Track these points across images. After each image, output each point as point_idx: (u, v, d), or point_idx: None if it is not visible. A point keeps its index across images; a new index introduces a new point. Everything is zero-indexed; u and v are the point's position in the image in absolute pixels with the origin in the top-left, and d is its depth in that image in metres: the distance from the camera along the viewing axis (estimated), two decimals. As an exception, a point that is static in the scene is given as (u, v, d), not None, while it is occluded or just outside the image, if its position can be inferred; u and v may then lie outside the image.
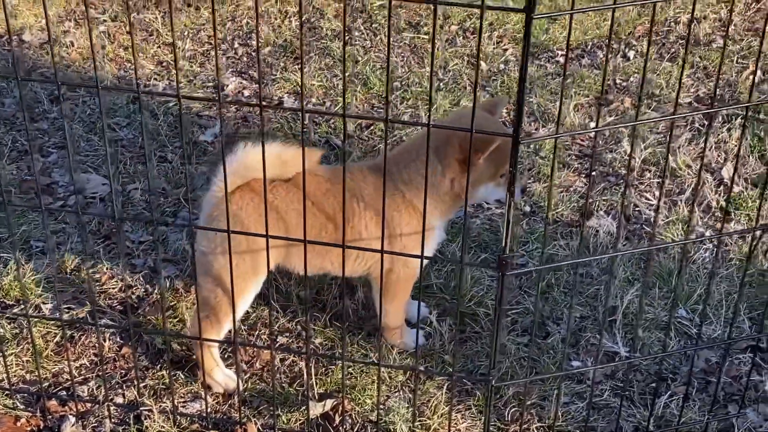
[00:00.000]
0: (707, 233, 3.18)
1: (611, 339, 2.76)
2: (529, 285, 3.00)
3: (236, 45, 4.30)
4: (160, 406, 2.46)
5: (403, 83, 4.03)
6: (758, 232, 2.28)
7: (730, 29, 4.35)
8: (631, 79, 4.06)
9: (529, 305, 2.90)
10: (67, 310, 2.74)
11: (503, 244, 2.02)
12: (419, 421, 2.48)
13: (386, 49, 4.08)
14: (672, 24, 4.43)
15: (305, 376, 2.56)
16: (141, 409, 2.43)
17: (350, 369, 2.62)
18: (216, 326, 2.43)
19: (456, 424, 2.50)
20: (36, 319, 2.59)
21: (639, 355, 2.67)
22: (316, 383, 2.58)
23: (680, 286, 2.92)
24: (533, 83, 4.02)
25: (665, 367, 2.69)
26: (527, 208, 3.35)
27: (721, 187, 3.40)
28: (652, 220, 3.24)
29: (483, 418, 2.40)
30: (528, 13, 1.78)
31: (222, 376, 2.54)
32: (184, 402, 2.51)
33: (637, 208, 3.33)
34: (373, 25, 4.44)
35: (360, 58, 4.17)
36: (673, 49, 4.25)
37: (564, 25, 4.40)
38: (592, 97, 3.95)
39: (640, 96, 3.92)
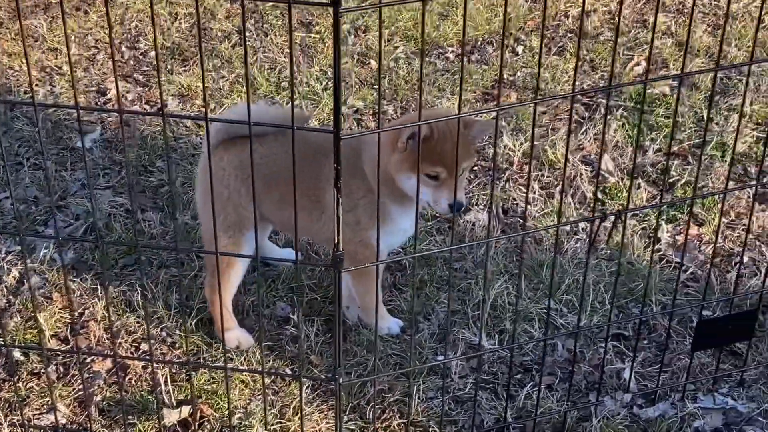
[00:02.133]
0: (581, 225, 3.20)
1: (478, 332, 2.76)
2: (404, 281, 2.99)
3: (123, 48, 4.24)
4: (11, 419, 2.41)
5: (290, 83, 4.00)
6: (622, 216, 2.30)
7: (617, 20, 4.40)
8: (518, 74, 4.08)
9: (401, 302, 2.90)
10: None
11: (335, 241, 2.01)
12: (278, 423, 2.46)
13: (282, 51, 4.05)
14: (562, 18, 4.46)
15: (163, 384, 2.52)
16: (-11, 423, 2.38)
17: (213, 374, 2.59)
18: (219, 289, 2.48)
19: (317, 424, 2.48)
20: None
21: (498, 346, 2.68)
22: (176, 390, 2.54)
23: (551, 276, 2.93)
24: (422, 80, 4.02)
25: (531, 358, 2.70)
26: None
27: (599, 178, 3.42)
28: (528, 213, 3.25)
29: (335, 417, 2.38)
30: (335, 8, 1.77)
31: (236, 334, 2.68)
32: (39, 414, 2.46)
33: (515, 202, 3.34)
34: (264, 26, 4.41)
35: (249, 59, 4.14)
36: (561, 43, 4.28)
37: (455, 21, 4.41)
38: (480, 93, 3.97)
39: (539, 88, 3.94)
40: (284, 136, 2.48)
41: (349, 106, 3.87)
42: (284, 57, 4.17)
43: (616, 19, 2.06)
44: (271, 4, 4.55)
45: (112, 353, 2.50)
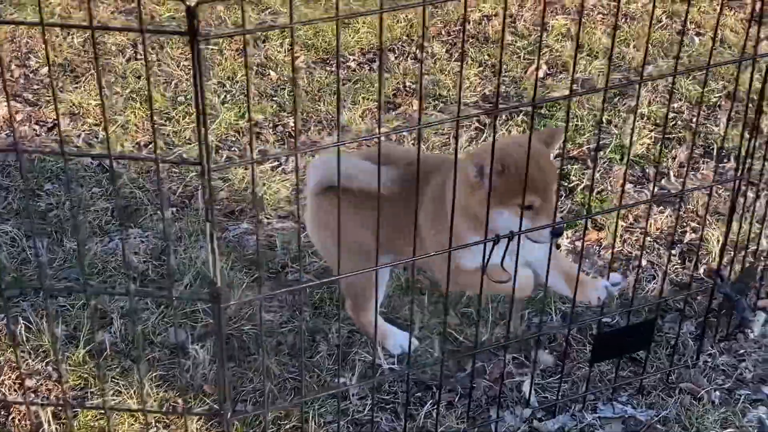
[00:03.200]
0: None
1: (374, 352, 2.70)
2: (303, 301, 2.92)
3: (13, 66, 4.08)
4: None
5: (187, 97, 3.89)
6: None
7: (519, 25, 4.40)
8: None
9: (300, 322, 2.83)
10: None
11: (212, 276, 1.93)
12: (169, 458, 2.37)
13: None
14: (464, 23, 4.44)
15: (46, 424, 2.41)
16: None
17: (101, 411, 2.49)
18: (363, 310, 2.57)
19: (211, 457, 2.40)
20: None
21: (396, 365, 2.63)
22: (60, 428, 2.43)
23: (445, 296, 2.89)
24: (322, 90, 3.96)
25: (430, 374, 2.65)
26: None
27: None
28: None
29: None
30: (193, 36, 1.69)
31: (394, 339, 2.71)
32: None
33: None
34: (161, 38, 4.29)
35: (143, 74, 4.02)
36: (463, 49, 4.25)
37: (356, 29, 4.35)
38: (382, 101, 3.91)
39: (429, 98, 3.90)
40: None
41: (248, 119, 3.78)
42: (180, 70, 4.07)
43: (502, 22, 2.02)
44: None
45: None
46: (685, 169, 3.20)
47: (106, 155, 1.83)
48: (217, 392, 2.54)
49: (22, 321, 2.73)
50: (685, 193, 3.26)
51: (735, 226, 2.69)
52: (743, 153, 2.41)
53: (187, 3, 1.65)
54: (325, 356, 2.71)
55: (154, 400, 2.53)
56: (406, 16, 4.42)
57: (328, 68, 4.14)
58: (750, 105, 2.54)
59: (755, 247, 2.89)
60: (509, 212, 2.27)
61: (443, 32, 4.39)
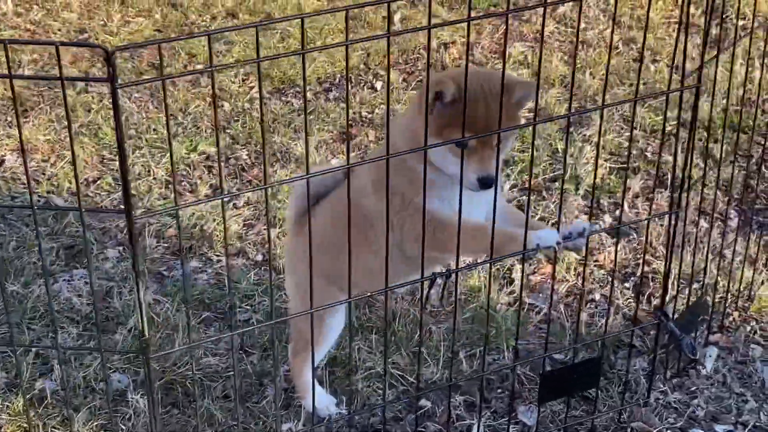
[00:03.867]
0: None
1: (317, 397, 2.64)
2: (251, 342, 2.86)
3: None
4: None
5: (138, 131, 3.83)
6: (452, 275, 2.19)
7: (476, 52, 4.37)
8: (377, 111, 4.00)
9: (247, 365, 2.77)
10: None
11: (140, 327, 1.87)
12: None
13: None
14: (421, 51, 4.41)
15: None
16: None
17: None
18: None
19: None
20: None
21: (342, 411, 2.58)
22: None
23: (385, 336, 2.85)
24: (277, 121, 3.91)
25: (378, 419, 2.60)
26: (258, 257, 3.22)
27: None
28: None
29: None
30: (112, 82, 1.64)
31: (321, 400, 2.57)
32: None
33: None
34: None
35: (93, 107, 3.95)
36: (420, 77, 4.23)
37: (313, 58, 4.31)
38: (337, 133, 3.87)
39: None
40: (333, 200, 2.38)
41: (199, 152, 3.72)
42: (131, 102, 4.00)
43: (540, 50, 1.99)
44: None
45: None
46: (639, 199, 3.17)
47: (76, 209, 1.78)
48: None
49: (-42, 370, 2.66)
50: (629, 226, 3.24)
51: (688, 257, 2.67)
52: (678, 184, 2.38)
53: (106, 49, 1.61)
54: (272, 401, 2.65)
55: None
56: (363, 45, 4.38)
57: (283, 98, 4.09)
58: (696, 133, 2.52)
59: (704, 280, 2.87)
60: (444, 147, 2.08)
61: (401, 60, 4.36)
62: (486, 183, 2.09)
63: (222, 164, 3.67)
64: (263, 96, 4.08)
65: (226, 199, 3.45)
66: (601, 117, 2.37)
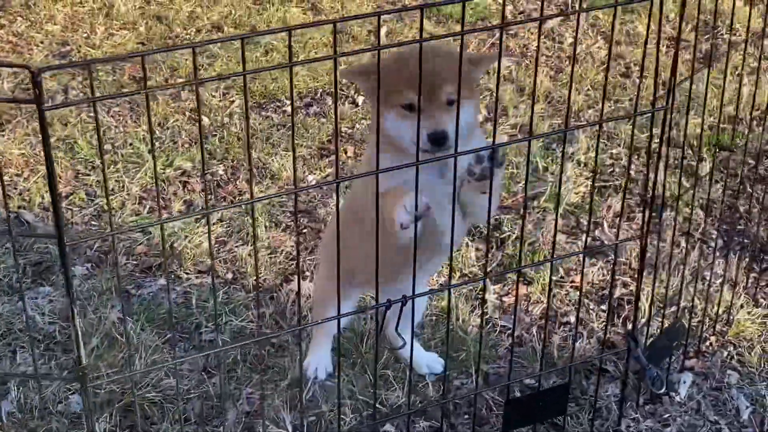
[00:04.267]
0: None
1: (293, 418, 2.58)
2: (216, 363, 2.80)
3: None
4: None
5: (115, 145, 3.79)
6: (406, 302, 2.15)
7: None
8: (357, 126, 3.95)
9: (209, 387, 2.71)
10: None
11: (77, 354, 1.81)
12: None
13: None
14: (404, 65, 4.35)
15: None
16: None
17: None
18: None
19: None
20: None
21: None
22: None
23: (365, 351, 2.78)
24: (255, 135, 3.85)
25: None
26: (229, 275, 3.17)
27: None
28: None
29: None
30: (38, 104, 1.59)
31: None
32: None
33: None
34: (95, 83, 4.18)
35: (71, 120, 3.91)
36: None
37: (294, 72, 4.25)
38: (315, 148, 3.81)
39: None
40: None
41: (176, 167, 3.67)
42: (110, 116, 3.96)
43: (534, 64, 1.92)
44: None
45: None
46: (619, 219, 3.11)
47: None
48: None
49: None
50: (599, 249, 3.17)
51: (667, 279, 2.60)
52: (650, 204, 2.32)
53: (32, 69, 1.55)
54: (232, 424, 2.59)
55: None
56: (346, 59, 4.33)
57: (263, 113, 4.04)
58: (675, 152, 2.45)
59: (680, 302, 2.79)
60: (392, 114, 2.06)
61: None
62: (437, 140, 2.02)
63: (199, 180, 3.62)
64: (248, 109, 4.03)
65: (200, 216, 3.40)
66: (599, 133, 2.30)
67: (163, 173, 3.63)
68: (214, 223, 3.40)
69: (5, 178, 3.59)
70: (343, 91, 4.16)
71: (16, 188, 3.53)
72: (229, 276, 3.17)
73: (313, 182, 3.61)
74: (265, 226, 3.35)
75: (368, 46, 4.48)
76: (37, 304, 2.97)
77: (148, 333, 2.86)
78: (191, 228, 3.32)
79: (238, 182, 3.62)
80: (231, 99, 4.12)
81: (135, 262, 3.19)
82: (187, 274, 3.15)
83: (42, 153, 3.54)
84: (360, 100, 4.12)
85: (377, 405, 2.64)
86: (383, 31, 4.60)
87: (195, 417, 2.62)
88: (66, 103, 1.72)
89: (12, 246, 1.71)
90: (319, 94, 4.18)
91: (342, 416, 2.60)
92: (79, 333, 1.77)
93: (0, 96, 3.92)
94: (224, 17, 4.74)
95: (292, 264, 3.18)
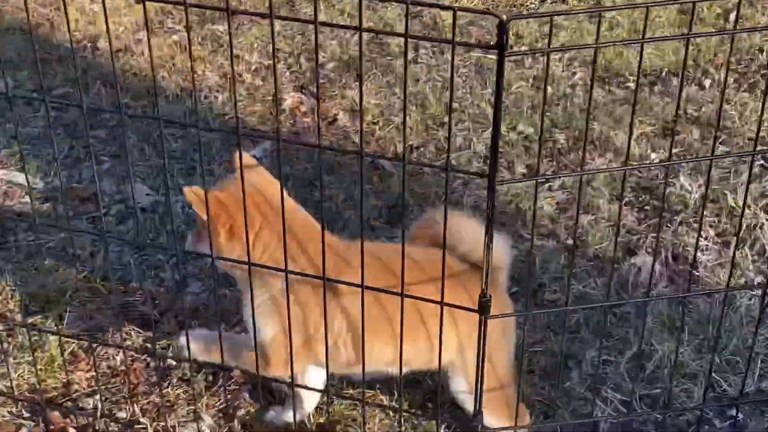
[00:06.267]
0: (758, 279, 2.98)
1: (632, 388, 2.61)
2: (558, 323, 2.88)
3: (302, 60, 4.31)
4: (157, 425, 2.47)
5: (462, 105, 3.95)
6: None
7: (819, 59, 4.09)
8: (704, 109, 3.86)
9: (554, 345, 2.79)
10: (84, 323, 2.79)
11: (483, 286, 1.93)
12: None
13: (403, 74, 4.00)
14: (756, 52, 4.19)
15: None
16: (137, 427, 2.45)
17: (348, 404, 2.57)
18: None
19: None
20: (35, 332, 2.65)
21: (650, 410, 2.53)
22: (316, 414, 2.54)
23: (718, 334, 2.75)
24: (597, 109, 3.88)
25: (687, 419, 2.53)
26: (569, 241, 3.23)
27: (781, 231, 3.19)
28: (700, 261, 3.06)
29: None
30: (500, 51, 1.70)
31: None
32: (184, 422, 2.52)
33: (686, 248, 3.15)
34: (441, 44, 4.38)
35: (422, 77, 4.12)
36: (753, 79, 4.03)
37: (638, 49, 4.22)
38: (659, 127, 3.78)
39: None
40: None
41: (518, 131, 3.77)
42: (458, 76, 4.12)
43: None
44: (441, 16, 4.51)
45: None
46: None
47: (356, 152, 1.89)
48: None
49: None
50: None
51: None
52: None
53: (501, 17, 1.66)
54: (576, 382, 2.66)
55: (405, 400, 2.59)
56: (694, 41, 4.23)
57: (606, 87, 4.05)
58: None
59: None
60: None
61: (732, 61, 4.17)
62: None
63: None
64: (593, 81, 4.06)
65: (541, 181, 3.48)
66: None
67: (506, 136, 3.74)
68: (555, 189, 3.47)
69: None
70: (689, 72, 4.07)
71: (372, 135, 3.77)
72: (570, 242, 3.22)
73: (656, 161, 3.58)
74: (608, 200, 3.37)
75: (717, 29, 4.36)
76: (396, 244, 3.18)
77: (494, 285, 2.99)
78: (531, 193, 3.40)
79: (579, 151, 3.66)
80: (573, 70, 4.16)
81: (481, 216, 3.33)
82: (528, 235, 3.24)
83: (396, 104, 3.75)
84: (707, 83, 4.02)
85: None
86: (732, 16, 4.45)
87: (539, 370, 2.71)
88: (525, 51, 1.82)
89: (446, 182, 1.84)
90: (663, 73, 4.12)
91: (687, 393, 2.60)
92: (488, 264, 1.89)
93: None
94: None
95: (635, 237, 3.18)
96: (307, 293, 2.17)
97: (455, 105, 3.94)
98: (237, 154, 2.09)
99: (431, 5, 1.75)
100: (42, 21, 4.52)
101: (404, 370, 2.15)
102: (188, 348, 2.20)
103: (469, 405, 2.32)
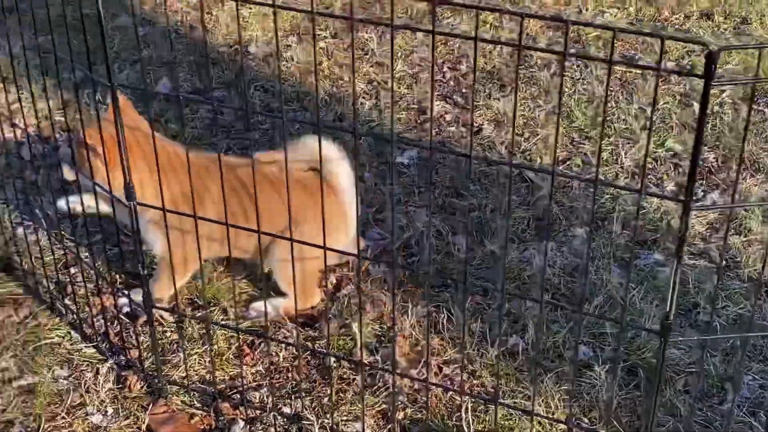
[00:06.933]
0: None
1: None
2: (714, 344, 2.86)
3: (445, 69, 4.37)
4: (322, 421, 2.57)
5: (608, 118, 3.95)
6: None
7: None
8: None
9: (710, 366, 2.78)
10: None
11: (668, 309, 1.95)
12: (573, 473, 2.44)
13: (597, 83, 4.00)
14: None
15: (464, 412, 2.58)
16: (303, 422, 2.54)
17: (509, 413, 2.61)
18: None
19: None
20: (216, 326, 2.77)
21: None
22: (475, 421, 2.59)
23: None
24: (749, 129, 3.82)
25: None
26: (722, 263, 3.20)
27: None
28: None
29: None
30: (707, 81, 1.72)
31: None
32: (346, 420, 2.60)
33: None
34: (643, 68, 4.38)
35: (567, 90, 4.13)
36: None
37: (791, 67, 4.15)
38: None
39: None
40: None
41: (667, 148, 3.76)
42: (602, 89, 4.12)
43: None
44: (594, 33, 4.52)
45: (422, 378, 2.59)
46: None
47: (547, 171, 1.92)
48: (632, 418, 2.57)
49: (444, 311, 2.94)
50: None
51: None
52: None
53: (710, 47, 1.69)
54: (733, 405, 2.64)
55: (558, 413, 2.62)
56: None
57: (756, 107, 3.99)
58: None
59: None
60: None
61: None
62: None
63: (688, 164, 3.67)
64: (734, 101, 4.01)
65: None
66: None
67: (655, 152, 3.73)
68: (706, 209, 3.44)
69: (507, 136, 3.89)
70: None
71: (518, 147, 3.81)
72: (722, 264, 3.20)
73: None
74: (760, 221, 3.33)
75: None
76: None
77: (645, 302, 2.99)
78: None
79: (730, 172, 3.62)
80: (722, 89, 4.11)
81: (629, 233, 3.33)
82: (689, 257, 3.22)
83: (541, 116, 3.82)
84: None
85: None
86: None
87: (695, 391, 2.71)
88: (732, 82, 1.84)
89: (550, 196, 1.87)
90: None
91: None
92: (676, 288, 1.91)
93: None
94: (714, 5, 4.71)
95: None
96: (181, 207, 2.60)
97: (600, 119, 3.94)
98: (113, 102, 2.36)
99: (640, 33, 1.79)
100: (195, 24, 4.70)
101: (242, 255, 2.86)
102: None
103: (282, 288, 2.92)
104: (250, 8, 4.72)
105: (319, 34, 4.62)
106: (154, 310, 2.60)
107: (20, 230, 3.11)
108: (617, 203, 3.45)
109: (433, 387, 2.63)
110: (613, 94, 4.12)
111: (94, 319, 2.83)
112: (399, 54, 4.47)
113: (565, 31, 1.78)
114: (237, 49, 4.48)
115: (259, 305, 2.92)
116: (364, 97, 4.16)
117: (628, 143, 3.79)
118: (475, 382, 2.75)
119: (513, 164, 2.04)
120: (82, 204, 2.65)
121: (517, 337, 2.87)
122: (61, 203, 2.82)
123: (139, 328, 2.83)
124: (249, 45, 4.53)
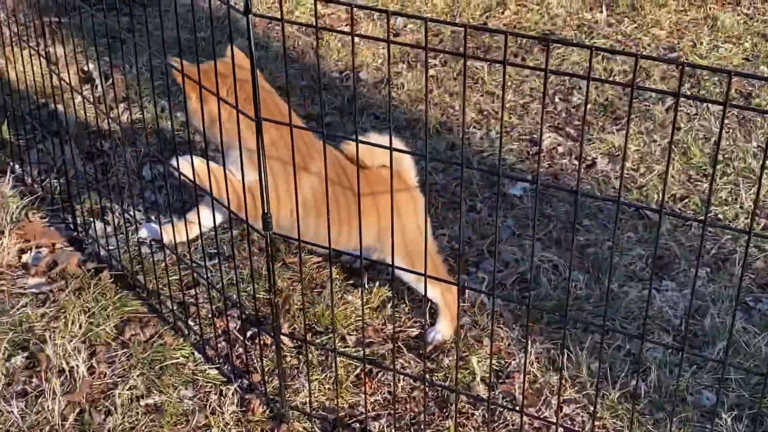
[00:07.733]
0: None
1: None
2: None
3: (557, 99, 4.35)
4: (445, 455, 2.56)
5: (726, 156, 3.87)
6: None
7: None
8: None
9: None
10: (368, 345, 2.92)
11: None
12: None
13: (715, 120, 3.92)
14: None
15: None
16: (425, 455, 2.54)
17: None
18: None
19: None
20: (341, 356, 2.78)
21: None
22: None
23: None
24: None
25: None
26: None
27: None
28: None
29: None
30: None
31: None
32: (465, 455, 2.59)
33: None
34: (701, 92, 4.31)
35: (683, 125, 4.07)
36: None
37: None
38: None
39: None
40: None
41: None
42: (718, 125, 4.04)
43: None
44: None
45: (543, 418, 2.56)
46: None
47: (655, 209, 1.88)
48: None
49: (563, 348, 2.91)
50: None
51: None
52: None
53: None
54: None
55: None
56: None
57: None
58: None
59: None
60: None
61: None
62: None
63: (810, 205, 3.57)
64: None
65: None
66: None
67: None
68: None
69: (619, 168, 3.84)
70: None
71: (634, 182, 3.75)
72: None
73: None
74: None
75: None
76: (663, 295, 3.15)
77: (770, 348, 2.92)
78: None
79: None
80: (841, 127, 4.00)
81: (752, 275, 3.25)
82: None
83: (657, 151, 3.75)
84: None
85: None
86: None
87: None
88: (746, 107, 1.78)
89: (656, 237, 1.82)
90: None
91: None
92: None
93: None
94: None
95: None
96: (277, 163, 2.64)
97: (719, 157, 3.86)
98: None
99: (755, 77, 1.75)
100: (306, 49, 4.77)
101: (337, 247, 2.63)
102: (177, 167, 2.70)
103: (405, 277, 2.90)
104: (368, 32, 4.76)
105: (428, 62, 4.64)
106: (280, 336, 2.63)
107: (144, 249, 3.18)
108: (738, 244, 3.37)
109: (560, 427, 2.59)
110: (731, 131, 4.03)
111: (217, 341, 2.87)
112: (510, 84, 4.45)
113: (680, 74, 1.75)
114: (348, 75, 4.53)
115: (440, 327, 2.95)
116: (474, 127, 4.15)
117: (748, 182, 3.71)
118: (597, 423, 2.70)
119: (621, 201, 2.02)
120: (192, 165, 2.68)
121: (639, 378, 2.82)
122: (173, 161, 2.78)
123: (261, 352, 2.86)
124: (360, 71, 4.57)
